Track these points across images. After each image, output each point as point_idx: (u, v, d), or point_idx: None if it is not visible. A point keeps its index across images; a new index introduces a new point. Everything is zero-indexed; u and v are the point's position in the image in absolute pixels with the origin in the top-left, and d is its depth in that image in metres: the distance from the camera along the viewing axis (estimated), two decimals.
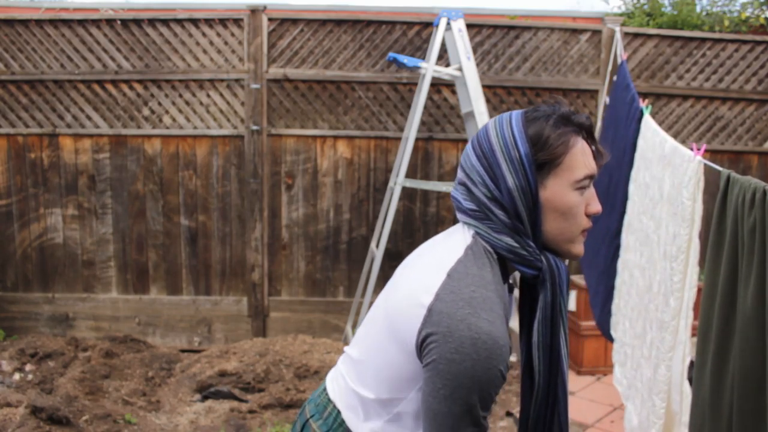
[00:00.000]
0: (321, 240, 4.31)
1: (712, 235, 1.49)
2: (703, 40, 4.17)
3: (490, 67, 4.16)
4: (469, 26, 3.90)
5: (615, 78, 3.82)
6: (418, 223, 4.28)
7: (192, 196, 4.27)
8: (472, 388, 0.98)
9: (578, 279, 4.05)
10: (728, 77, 4.20)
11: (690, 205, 1.91)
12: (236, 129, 4.22)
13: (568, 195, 1.07)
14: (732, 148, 4.26)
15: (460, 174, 1.14)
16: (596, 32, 4.13)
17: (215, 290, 4.35)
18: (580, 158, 1.07)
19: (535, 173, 1.06)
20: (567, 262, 4.13)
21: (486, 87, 4.08)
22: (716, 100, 4.23)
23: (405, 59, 3.60)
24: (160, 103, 4.20)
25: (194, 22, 4.14)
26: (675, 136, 4.17)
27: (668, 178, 2.15)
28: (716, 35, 4.19)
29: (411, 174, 4.17)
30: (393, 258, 4.13)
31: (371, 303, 3.67)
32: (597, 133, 4.15)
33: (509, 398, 3.55)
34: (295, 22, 4.14)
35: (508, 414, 3.36)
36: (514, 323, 3.13)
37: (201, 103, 4.20)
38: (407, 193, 4.20)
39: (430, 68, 3.59)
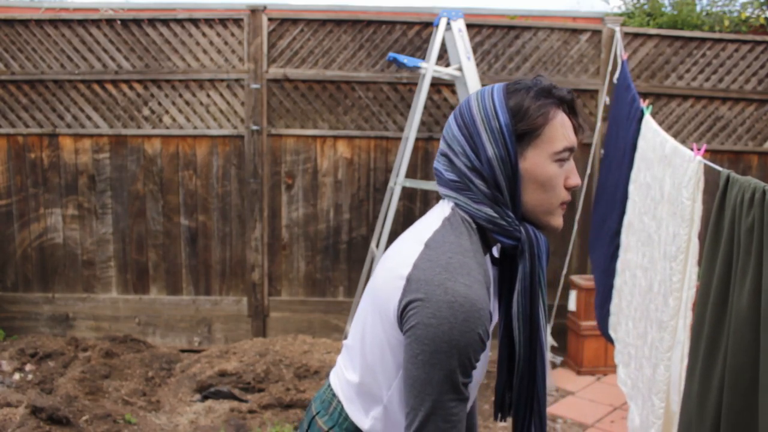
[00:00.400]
0: (321, 240, 4.31)
1: (710, 233, 1.49)
2: (703, 40, 4.17)
3: (490, 67, 4.16)
4: (469, 26, 3.90)
5: (616, 78, 3.82)
6: None
7: (192, 196, 4.27)
8: (450, 353, 0.98)
9: (578, 279, 4.05)
10: (728, 77, 4.20)
11: (690, 205, 1.91)
12: (236, 129, 4.22)
13: (548, 166, 1.08)
14: (732, 148, 4.26)
15: (441, 145, 1.15)
16: (596, 32, 4.13)
17: (215, 290, 4.35)
18: (560, 130, 1.08)
19: (515, 144, 1.07)
20: (567, 259, 4.13)
21: None
22: (716, 100, 4.23)
23: (405, 59, 3.60)
24: (160, 103, 4.20)
25: (194, 22, 4.14)
26: (675, 136, 4.17)
27: (669, 178, 2.15)
28: (716, 35, 4.19)
29: (411, 174, 4.17)
30: None
31: None
32: (602, 133, 4.15)
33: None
34: (295, 22, 4.15)
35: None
36: None
37: (201, 103, 4.21)
38: (407, 193, 4.21)
39: (430, 68, 3.59)
